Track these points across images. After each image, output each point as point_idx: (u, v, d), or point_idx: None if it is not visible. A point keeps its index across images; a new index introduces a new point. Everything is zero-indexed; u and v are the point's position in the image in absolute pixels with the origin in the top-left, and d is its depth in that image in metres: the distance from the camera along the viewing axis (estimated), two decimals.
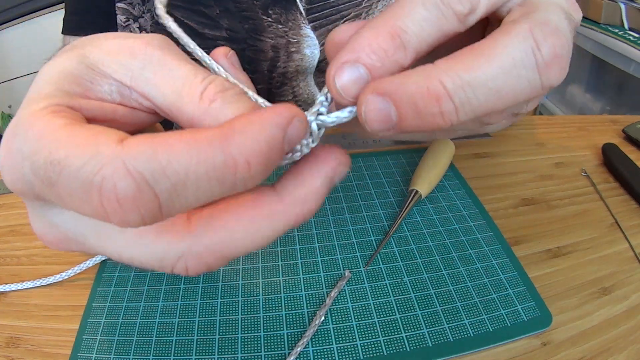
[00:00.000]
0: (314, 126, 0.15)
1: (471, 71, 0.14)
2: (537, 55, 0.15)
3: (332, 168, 0.15)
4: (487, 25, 0.21)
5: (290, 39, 0.48)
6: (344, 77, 0.15)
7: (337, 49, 0.16)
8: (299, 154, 0.15)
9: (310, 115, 0.15)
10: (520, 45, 0.15)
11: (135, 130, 0.17)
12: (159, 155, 0.12)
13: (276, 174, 0.38)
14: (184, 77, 0.15)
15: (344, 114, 0.16)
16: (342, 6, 0.48)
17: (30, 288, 0.31)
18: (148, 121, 0.18)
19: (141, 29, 0.47)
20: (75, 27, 0.50)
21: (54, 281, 0.31)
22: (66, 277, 0.31)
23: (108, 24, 0.48)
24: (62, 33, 0.50)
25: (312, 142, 0.16)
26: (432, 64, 0.15)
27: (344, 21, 0.49)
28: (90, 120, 0.15)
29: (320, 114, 0.16)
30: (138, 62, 0.16)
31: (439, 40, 0.16)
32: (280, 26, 0.47)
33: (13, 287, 0.31)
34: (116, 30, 0.49)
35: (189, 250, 0.14)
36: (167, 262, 0.15)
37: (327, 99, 0.16)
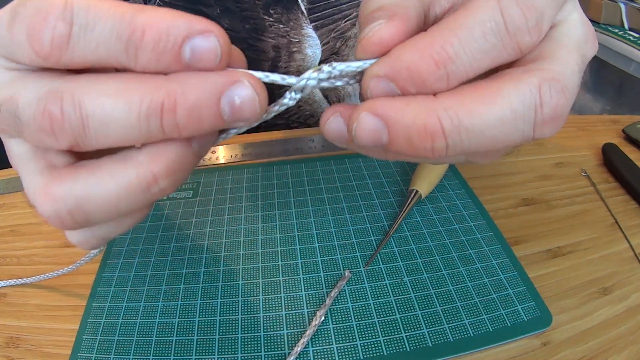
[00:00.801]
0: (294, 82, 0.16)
1: (471, 116, 0.14)
2: (538, 112, 0.14)
3: None
4: None
5: (292, 39, 0.48)
6: (377, 91, 0.15)
7: (382, 10, 0.16)
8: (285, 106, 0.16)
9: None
10: (525, 100, 0.14)
11: None
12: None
13: None
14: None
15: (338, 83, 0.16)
16: (343, 6, 0.48)
17: (29, 284, 0.32)
18: None
19: None
20: None
21: (55, 275, 0.31)
22: (65, 273, 0.31)
23: None
24: None
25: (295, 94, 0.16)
26: (434, 97, 0.14)
27: (346, 21, 0.49)
28: None
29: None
30: None
31: (490, 68, 0.15)
32: (281, 26, 0.47)
33: (12, 282, 0.32)
34: None
35: (55, 87, 0.14)
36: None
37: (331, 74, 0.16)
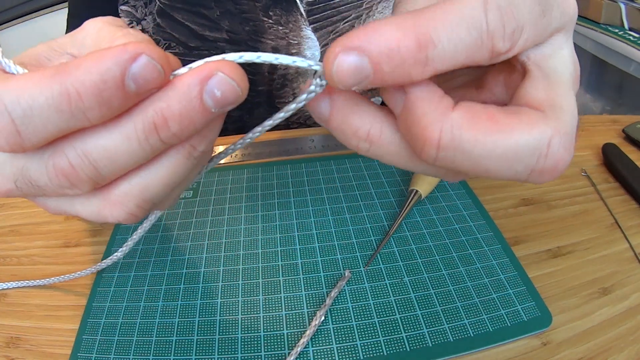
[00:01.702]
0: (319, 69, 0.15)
1: (474, 143, 0.14)
2: (541, 160, 0.14)
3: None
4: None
5: (291, 41, 0.48)
6: (344, 63, 0.14)
7: None
8: (313, 94, 0.16)
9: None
10: (534, 145, 0.14)
11: None
12: (18, 87, 0.14)
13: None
14: (107, 34, 0.18)
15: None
16: (342, 7, 0.48)
17: (29, 287, 0.32)
18: None
19: (144, 31, 0.47)
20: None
21: (51, 282, 0.31)
22: (63, 281, 0.31)
23: None
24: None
25: (321, 82, 0.15)
26: (452, 108, 0.14)
27: (345, 23, 0.49)
28: None
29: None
30: (83, 34, 0.19)
31: (461, 67, 0.15)
32: (280, 28, 0.47)
33: (13, 285, 0.32)
34: None
35: (55, 147, 0.15)
36: (43, 162, 0.16)
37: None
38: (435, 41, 0.14)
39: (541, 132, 0.14)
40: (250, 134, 0.18)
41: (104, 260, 0.29)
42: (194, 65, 0.15)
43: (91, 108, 0.14)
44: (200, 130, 0.16)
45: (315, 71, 0.16)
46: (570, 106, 0.15)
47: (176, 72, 0.15)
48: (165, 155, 0.16)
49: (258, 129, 0.18)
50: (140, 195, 0.17)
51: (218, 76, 0.14)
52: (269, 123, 0.17)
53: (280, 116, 0.17)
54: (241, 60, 0.15)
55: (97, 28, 0.18)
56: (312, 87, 0.16)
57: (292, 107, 0.16)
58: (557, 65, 0.16)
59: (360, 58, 0.13)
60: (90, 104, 0.13)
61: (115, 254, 0.28)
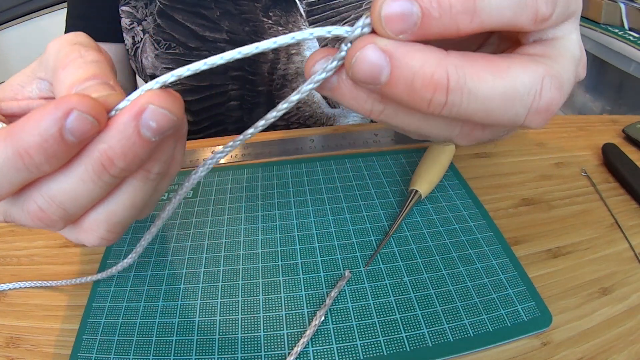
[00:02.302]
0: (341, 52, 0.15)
1: (478, 81, 0.14)
2: (536, 99, 0.15)
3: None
4: (489, 38, 0.21)
5: None
6: (393, 7, 0.13)
7: None
8: (324, 74, 0.16)
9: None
10: (529, 84, 0.15)
11: None
12: None
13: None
14: (62, 54, 0.18)
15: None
16: (342, 8, 0.48)
17: (30, 288, 0.32)
18: None
19: (144, 32, 0.47)
20: (80, 31, 0.50)
21: (53, 285, 0.31)
22: (64, 285, 0.31)
23: (112, 28, 0.48)
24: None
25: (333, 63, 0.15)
26: (447, 52, 0.14)
27: (344, 23, 0.49)
28: (9, 116, 0.20)
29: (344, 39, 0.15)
30: (47, 56, 0.19)
31: (505, 27, 0.15)
32: (280, 28, 0.47)
33: (11, 285, 0.31)
34: (120, 35, 0.49)
35: (27, 195, 0.17)
36: (19, 206, 0.18)
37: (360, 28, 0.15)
38: None
39: (534, 71, 0.15)
40: (262, 121, 0.18)
41: (116, 266, 0.29)
42: (131, 96, 0.16)
43: (41, 163, 0.15)
44: (150, 156, 0.17)
45: (345, 37, 0.15)
46: (566, 62, 0.16)
47: (118, 106, 0.16)
48: (124, 184, 0.18)
49: (272, 113, 0.18)
50: (109, 221, 0.18)
51: (150, 109, 0.15)
52: (285, 106, 0.17)
53: (294, 99, 0.17)
54: (239, 56, 0.16)
55: (56, 49, 0.19)
56: (342, 53, 0.15)
57: (320, 76, 0.16)
58: (568, 45, 0.17)
59: (409, 2, 0.13)
60: (39, 159, 0.15)
61: (125, 260, 0.28)
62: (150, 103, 0.15)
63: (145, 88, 0.16)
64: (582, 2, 0.18)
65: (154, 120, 0.15)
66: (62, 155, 0.15)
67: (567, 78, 0.16)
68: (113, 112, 0.16)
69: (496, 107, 0.15)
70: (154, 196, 0.21)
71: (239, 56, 0.16)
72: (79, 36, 0.20)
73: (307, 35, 0.15)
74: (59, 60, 0.18)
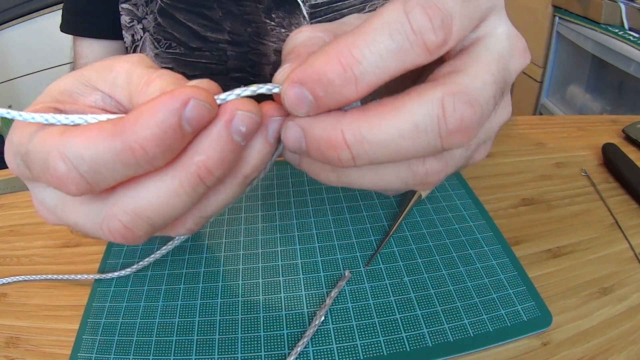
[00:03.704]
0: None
1: (373, 130, 0.15)
2: (442, 124, 0.15)
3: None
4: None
5: None
6: (290, 95, 0.16)
7: (292, 53, 0.18)
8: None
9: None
10: (427, 113, 0.15)
11: None
12: (79, 145, 0.15)
13: None
14: (139, 75, 0.18)
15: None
16: (345, 10, 0.48)
17: (30, 281, 0.32)
18: None
19: (144, 30, 0.47)
20: (78, 28, 0.50)
21: (54, 278, 0.31)
22: (65, 279, 0.31)
23: (110, 25, 0.48)
24: (62, 31, 0.50)
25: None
26: (343, 112, 0.16)
27: None
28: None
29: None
30: (113, 74, 0.19)
31: (400, 72, 0.15)
32: (283, 30, 0.47)
33: (13, 279, 0.32)
34: (120, 33, 0.49)
35: (108, 211, 0.17)
36: (97, 224, 0.17)
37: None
38: (359, 58, 0.14)
39: (430, 98, 0.15)
40: None
41: (140, 262, 0.29)
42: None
43: (156, 156, 0.15)
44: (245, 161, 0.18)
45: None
46: (477, 69, 0.16)
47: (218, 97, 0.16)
48: (222, 186, 0.18)
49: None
50: (198, 218, 0.18)
51: (239, 114, 0.16)
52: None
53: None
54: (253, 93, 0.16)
55: (126, 70, 0.19)
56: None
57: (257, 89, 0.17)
58: (489, 44, 0.17)
59: (300, 89, 0.15)
60: (154, 153, 0.15)
61: (147, 259, 0.28)
62: (238, 109, 0.16)
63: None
64: None
65: (244, 124, 0.16)
66: (177, 147, 0.15)
67: (479, 86, 0.16)
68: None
69: (404, 144, 0.15)
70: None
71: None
72: (146, 60, 0.20)
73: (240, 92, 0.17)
74: (134, 79, 0.18)
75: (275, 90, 0.17)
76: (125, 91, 0.18)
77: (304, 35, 0.19)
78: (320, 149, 0.16)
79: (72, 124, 0.16)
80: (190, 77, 0.17)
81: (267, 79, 0.49)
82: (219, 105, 0.16)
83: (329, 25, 0.19)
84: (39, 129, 0.17)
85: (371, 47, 0.14)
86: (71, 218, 0.18)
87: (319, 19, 0.48)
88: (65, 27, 0.50)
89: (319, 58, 0.15)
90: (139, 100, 0.17)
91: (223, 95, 0.16)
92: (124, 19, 0.47)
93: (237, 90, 0.16)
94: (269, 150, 0.18)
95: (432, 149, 0.16)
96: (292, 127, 0.16)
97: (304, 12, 0.47)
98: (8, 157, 0.18)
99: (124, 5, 0.47)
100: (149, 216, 0.16)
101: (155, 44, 0.47)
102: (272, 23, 0.46)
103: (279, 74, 0.17)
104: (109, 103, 0.20)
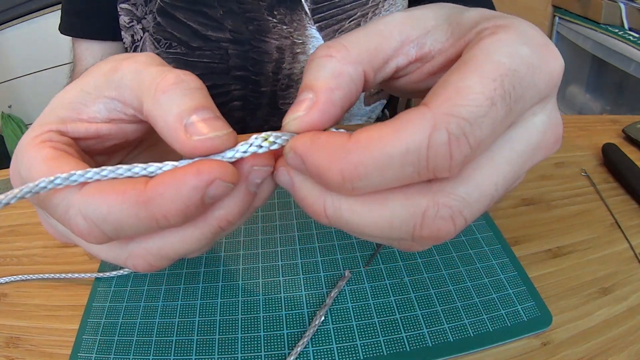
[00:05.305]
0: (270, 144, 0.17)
1: (351, 213, 0.16)
2: (417, 230, 0.15)
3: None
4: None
5: (296, 40, 0.47)
6: (291, 161, 0.17)
7: (312, 90, 0.17)
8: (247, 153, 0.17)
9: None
10: (405, 217, 0.15)
11: (121, 143, 0.21)
12: (101, 206, 0.16)
13: None
14: (151, 75, 0.18)
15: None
16: (347, 6, 0.48)
17: (30, 281, 0.32)
18: (132, 131, 0.20)
19: (144, 30, 0.47)
20: (77, 30, 0.49)
21: (54, 277, 0.31)
22: (65, 278, 0.31)
23: (109, 26, 0.48)
24: (62, 33, 0.50)
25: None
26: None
27: (350, 21, 0.48)
28: (77, 139, 0.19)
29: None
30: (119, 74, 0.18)
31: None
32: (285, 27, 0.47)
33: (12, 278, 0.32)
34: (118, 33, 0.49)
35: (132, 251, 0.18)
36: (119, 260, 0.18)
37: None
38: (361, 176, 0.14)
39: (413, 205, 0.15)
40: None
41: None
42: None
43: (176, 223, 0.16)
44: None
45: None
46: (482, 177, 0.15)
47: (225, 154, 0.17)
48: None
49: None
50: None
51: (255, 170, 0.17)
52: None
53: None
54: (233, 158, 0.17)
55: (134, 69, 0.18)
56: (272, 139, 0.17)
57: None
58: (516, 136, 0.16)
59: (301, 164, 0.16)
60: (175, 221, 0.16)
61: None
62: (254, 165, 0.17)
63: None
64: (558, 77, 0.16)
65: (259, 177, 0.17)
66: (197, 214, 0.16)
67: (475, 198, 0.15)
68: (231, 153, 0.17)
69: (378, 232, 0.16)
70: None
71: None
72: (156, 58, 0.19)
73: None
74: (144, 78, 0.18)
75: (282, 144, 0.17)
76: (134, 92, 0.18)
77: (329, 70, 0.17)
78: (306, 209, 0.17)
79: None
80: None
81: (270, 78, 0.48)
82: (235, 161, 0.17)
83: (360, 54, 0.17)
84: (53, 168, 0.17)
85: (379, 170, 0.14)
86: (91, 250, 0.19)
87: (322, 14, 0.47)
88: (64, 29, 0.50)
89: (324, 156, 0.15)
90: (152, 108, 0.17)
91: (242, 149, 0.17)
92: (123, 19, 0.47)
93: (253, 146, 0.17)
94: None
95: (401, 244, 0.17)
96: (283, 173, 0.18)
97: (306, 8, 0.47)
98: (15, 183, 0.19)
99: (122, 6, 0.47)
100: (172, 257, 0.18)
101: (156, 44, 0.46)
102: (274, 20, 0.46)
103: (291, 121, 0.17)
104: (113, 109, 0.19)
